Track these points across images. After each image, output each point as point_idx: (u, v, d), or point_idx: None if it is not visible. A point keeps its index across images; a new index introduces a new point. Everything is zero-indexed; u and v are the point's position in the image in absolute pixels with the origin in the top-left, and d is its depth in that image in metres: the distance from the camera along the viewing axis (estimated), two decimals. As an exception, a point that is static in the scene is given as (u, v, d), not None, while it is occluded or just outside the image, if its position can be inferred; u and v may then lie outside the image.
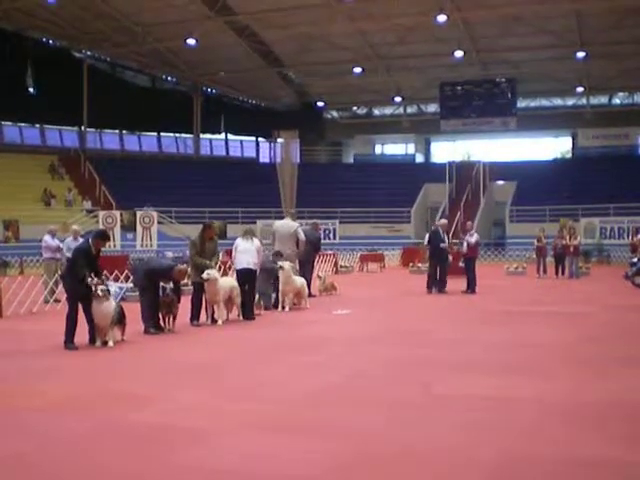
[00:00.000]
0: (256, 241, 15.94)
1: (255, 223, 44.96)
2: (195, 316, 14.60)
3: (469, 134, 57.03)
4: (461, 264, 23.53)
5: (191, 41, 44.81)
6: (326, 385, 8.84)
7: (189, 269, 14.77)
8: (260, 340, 12.72)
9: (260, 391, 8.59)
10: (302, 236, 18.76)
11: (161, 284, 13.53)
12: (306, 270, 19.67)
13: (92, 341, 11.84)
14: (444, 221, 22.98)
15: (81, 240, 16.77)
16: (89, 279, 11.59)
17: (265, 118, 59.60)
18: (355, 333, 13.44)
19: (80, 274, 11.62)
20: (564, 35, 44.56)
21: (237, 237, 16.58)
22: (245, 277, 15.63)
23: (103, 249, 13.02)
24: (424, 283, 22.51)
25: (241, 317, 15.28)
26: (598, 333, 13.26)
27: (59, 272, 17.72)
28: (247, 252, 15.66)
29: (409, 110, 61.00)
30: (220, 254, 19.36)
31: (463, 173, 50.88)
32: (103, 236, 12.37)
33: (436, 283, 21.55)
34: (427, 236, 22.88)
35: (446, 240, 21.65)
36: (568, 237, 28.08)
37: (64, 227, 21.56)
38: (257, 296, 16.31)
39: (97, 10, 43.45)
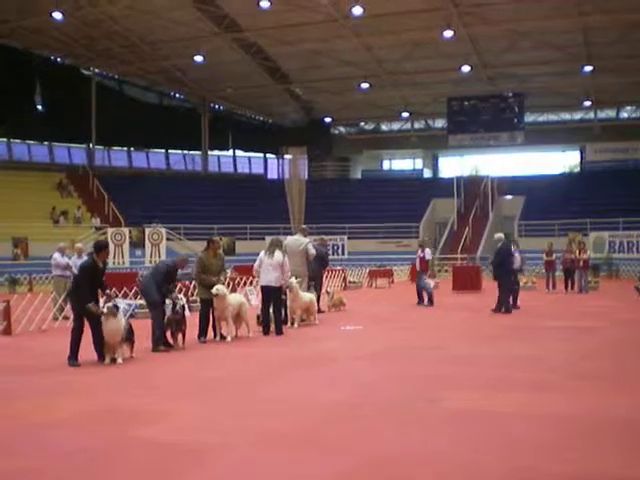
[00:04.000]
0: (277, 255, 15.82)
1: (264, 239, 45.09)
2: (202, 333, 14.62)
3: (477, 149, 56.99)
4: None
5: (199, 58, 44.99)
6: (334, 401, 8.81)
7: (194, 276, 14.80)
8: (269, 356, 12.70)
9: (268, 407, 8.56)
10: (312, 251, 18.65)
11: (170, 300, 13.55)
12: (315, 286, 19.62)
13: (101, 358, 11.85)
14: (499, 235, 21.66)
15: (85, 257, 16.84)
16: (90, 304, 11.66)
17: (273, 134, 59.81)
18: (364, 349, 13.40)
19: (83, 299, 11.70)
20: (571, 49, 44.57)
21: (246, 253, 16.60)
22: (268, 294, 15.77)
23: (113, 266, 13.13)
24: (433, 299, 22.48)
25: (250, 334, 15.32)
26: (611, 348, 13.19)
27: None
28: (268, 268, 15.72)
29: (416, 125, 61.08)
30: (229, 270, 19.39)
31: (471, 188, 50.90)
32: (103, 247, 12.41)
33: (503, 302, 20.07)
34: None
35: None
36: (577, 251, 28.03)
37: (73, 244, 21.58)
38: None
39: (105, 28, 43.68)
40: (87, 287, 11.78)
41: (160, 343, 13.32)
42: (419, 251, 23.63)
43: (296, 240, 18.90)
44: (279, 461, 6.42)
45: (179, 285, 16.96)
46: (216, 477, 6.08)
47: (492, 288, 25.58)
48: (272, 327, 15.67)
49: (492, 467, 6.14)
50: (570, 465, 6.20)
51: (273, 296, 15.74)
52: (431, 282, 24.05)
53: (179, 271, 14.22)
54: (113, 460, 6.53)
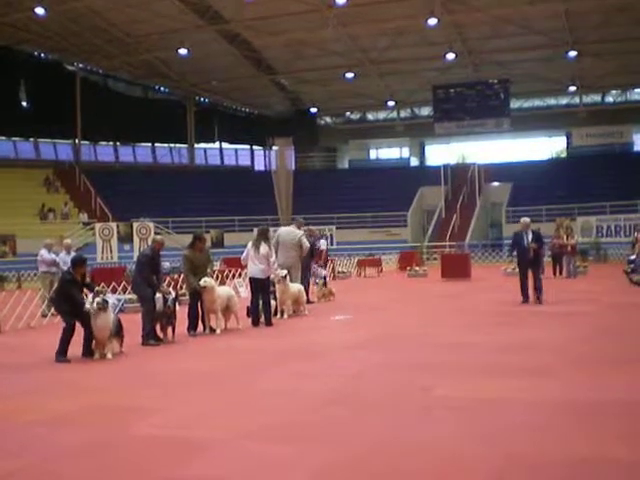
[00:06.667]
0: (263, 248, 15.79)
1: (252, 231, 45.03)
2: (192, 326, 14.59)
3: (463, 136, 56.99)
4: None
5: (183, 51, 44.85)
6: (326, 392, 8.79)
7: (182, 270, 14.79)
8: (259, 348, 12.67)
9: (263, 400, 8.54)
10: (307, 244, 18.73)
11: (160, 294, 13.53)
12: (303, 276, 19.59)
13: (90, 354, 11.82)
14: (525, 220, 20.59)
15: (73, 254, 17.17)
16: (87, 305, 11.75)
17: (259, 126, 59.67)
18: (354, 339, 13.38)
19: (77, 302, 11.77)
20: (555, 35, 44.59)
21: (235, 245, 16.59)
22: (256, 285, 15.83)
23: (101, 261, 13.16)
24: (422, 286, 22.49)
25: (240, 325, 15.29)
26: (606, 332, 13.16)
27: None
28: (254, 260, 15.74)
29: (403, 114, 61.02)
30: (218, 263, 19.37)
31: (458, 175, 50.95)
32: (80, 261, 12.48)
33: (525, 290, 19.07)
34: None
35: (527, 240, 18.94)
36: (565, 236, 28.06)
37: (62, 240, 21.52)
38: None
39: (88, 22, 43.46)
40: (76, 294, 11.87)
41: (150, 337, 13.30)
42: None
43: (290, 232, 18.89)
44: (276, 454, 6.40)
45: (168, 279, 16.97)
46: (205, 471, 6.06)
47: (481, 276, 25.74)
48: (262, 318, 15.68)
49: (486, 454, 6.12)
50: (568, 450, 6.19)
51: (261, 288, 15.75)
52: (322, 271, 23.91)
53: (168, 264, 14.19)
54: (111, 456, 6.49)
